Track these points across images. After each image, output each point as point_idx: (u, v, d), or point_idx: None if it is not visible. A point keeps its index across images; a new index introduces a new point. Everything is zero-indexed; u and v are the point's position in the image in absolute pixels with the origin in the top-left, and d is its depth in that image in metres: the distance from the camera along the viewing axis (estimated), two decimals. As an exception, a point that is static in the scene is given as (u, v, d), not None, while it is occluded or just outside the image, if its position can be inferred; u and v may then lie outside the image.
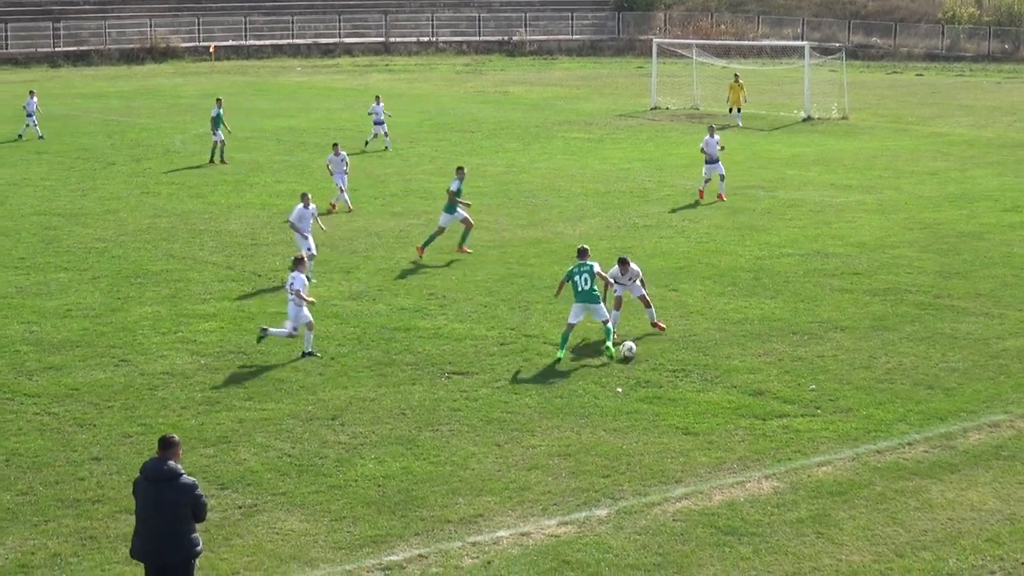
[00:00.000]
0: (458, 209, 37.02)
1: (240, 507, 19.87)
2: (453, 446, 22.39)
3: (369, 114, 59.24)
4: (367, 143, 57.80)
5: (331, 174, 43.91)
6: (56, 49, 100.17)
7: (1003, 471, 21.33)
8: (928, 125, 66.74)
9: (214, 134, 53.95)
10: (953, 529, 19.14)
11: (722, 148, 45.75)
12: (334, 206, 43.23)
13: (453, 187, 36.92)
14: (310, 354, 27.24)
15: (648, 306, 29.22)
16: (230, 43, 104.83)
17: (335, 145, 44.93)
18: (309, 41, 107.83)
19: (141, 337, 28.69)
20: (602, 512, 19.73)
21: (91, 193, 46.56)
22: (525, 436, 22.87)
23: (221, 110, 54.48)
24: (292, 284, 27.32)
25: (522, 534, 18.97)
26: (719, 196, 45.10)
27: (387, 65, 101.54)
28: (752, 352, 27.66)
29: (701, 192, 45.53)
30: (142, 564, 15.82)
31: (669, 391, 25.23)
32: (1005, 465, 21.58)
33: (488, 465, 21.57)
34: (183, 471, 15.64)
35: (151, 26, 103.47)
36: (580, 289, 27.41)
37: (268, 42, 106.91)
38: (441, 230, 37.00)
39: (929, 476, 21.07)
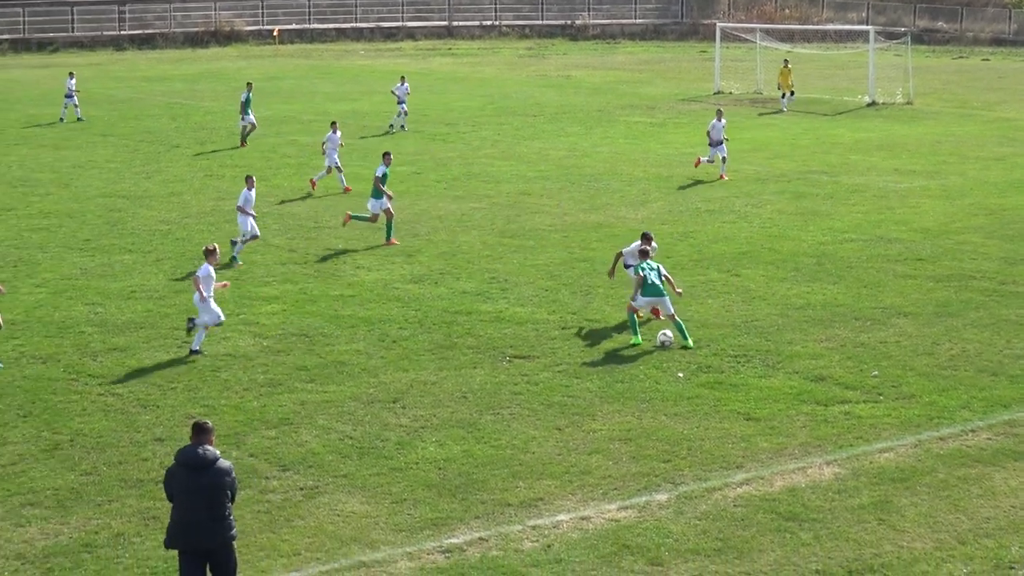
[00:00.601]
0: (383, 198, 36.42)
1: (302, 489, 19.96)
2: (514, 430, 22.42)
3: (393, 93, 59.60)
4: (391, 127, 58.23)
5: (323, 153, 44.47)
6: (122, 32, 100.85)
7: (1067, 459, 21.18)
8: (994, 110, 66.22)
9: (243, 117, 54.35)
10: (1016, 517, 19.01)
11: (727, 139, 47.05)
12: (314, 184, 43.89)
13: (379, 173, 36.42)
14: (196, 352, 26.50)
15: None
16: (293, 26, 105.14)
17: (333, 124, 45.74)
18: (372, 25, 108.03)
19: (204, 319, 28.85)
20: (662, 497, 19.71)
21: (155, 176, 46.85)
22: (586, 420, 22.88)
23: (251, 94, 54.86)
24: (196, 273, 26.94)
25: (582, 518, 18.98)
26: (720, 176, 46.20)
27: (450, 49, 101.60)
28: (814, 338, 27.55)
29: (698, 161, 47.20)
30: (178, 553, 15.69)
31: (730, 376, 25.17)
32: (1069, 453, 21.43)
33: (548, 449, 21.59)
34: (219, 455, 15.66)
35: (215, 9, 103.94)
36: (650, 282, 27.31)
37: (331, 25, 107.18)
38: (374, 216, 36.64)
39: (992, 463, 20.93)
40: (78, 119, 60.86)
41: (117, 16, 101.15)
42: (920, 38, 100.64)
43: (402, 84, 59.07)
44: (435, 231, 37.76)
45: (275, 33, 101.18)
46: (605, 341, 27.33)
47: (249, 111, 54.25)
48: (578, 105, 67.52)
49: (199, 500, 15.38)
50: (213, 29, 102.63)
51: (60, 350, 26.75)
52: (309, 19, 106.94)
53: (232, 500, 15.66)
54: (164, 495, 15.90)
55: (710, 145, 46.65)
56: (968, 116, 63.90)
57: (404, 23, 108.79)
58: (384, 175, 36.50)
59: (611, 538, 18.26)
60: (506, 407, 23.51)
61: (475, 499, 19.60)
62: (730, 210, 40.69)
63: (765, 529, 18.56)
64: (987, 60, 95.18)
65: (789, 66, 68.07)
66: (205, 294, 26.47)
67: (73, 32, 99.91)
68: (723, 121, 46.72)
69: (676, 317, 27.36)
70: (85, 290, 31.40)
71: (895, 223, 38.64)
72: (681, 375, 25.20)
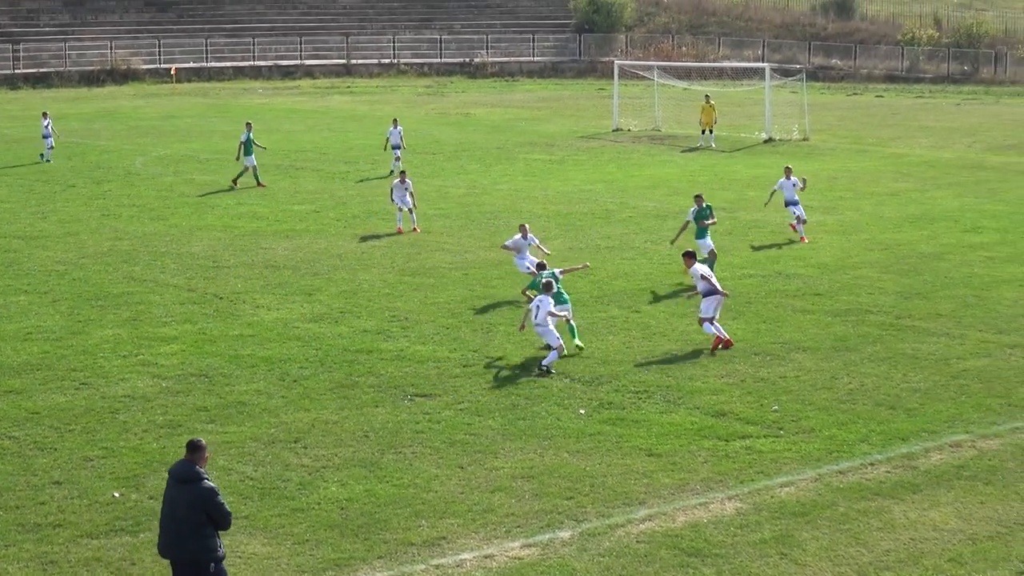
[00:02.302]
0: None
1: (202, 531, 19.75)
2: (416, 468, 22.35)
3: (387, 139, 57.25)
4: (391, 172, 55.58)
5: (392, 200, 43.94)
6: (16, 71, 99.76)
7: (965, 491, 21.41)
8: (888, 146, 67.07)
9: (245, 158, 52.89)
10: (916, 549, 19.19)
11: (803, 187, 42.52)
12: (416, 229, 43.47)
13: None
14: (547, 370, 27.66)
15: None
16: (191, 65, 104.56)
17: (403, 173, 45.00)
18: (270, 63, 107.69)
19: (102, 360, 28.56)
20: (566, 534, 19.71)
21: (51, 215, 46.36)
22: (488, 458, 22.85)
23: (251, 134, 53.54)
24: (537, 305, 28.38)
25: (486, 556, 18.94)
26: (801, 239, 42.03)
27: (348, 87, 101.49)
28: (715, 373, 27.70)
29: (793, 226, 42.72)
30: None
31: (632, 412, 25.24)
32: (967, 485, 21.66)
33: (451, 487, 21.53)
34: (205, 476, 16.13)
35: (112, 48, 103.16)
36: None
37: (229, 64, 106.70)
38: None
39: (891, 496, 21.13)
40: (41, 158, 60.12)
41: (11, 54, 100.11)
42: (815, 75, 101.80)
43: (395, 127, 56.92)
44: (335, 269, 37.63)
45: (172, 71, 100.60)
46: (507, 379, 27.33)
47: (251, 152, 52.94)
48: (477, 143, 67.63)
49: (175, 513, 16.07)
50: (109, 68, 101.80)
51: (-46, 393, 26.36)
52: (207, 57, 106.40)
53: (217, 525, 16.11)
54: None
55: (785, 205, 42.72)
56: (863, 152, 64.66)
57: (302, 61, 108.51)
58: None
59: (515, 576, 18.23)
60: (408, 446, 23.43)
61: (378, 539, 19.51)
62: (630, 247, 40.87)
63: (668, 565, 18.60)
64: (880, 96, 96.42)
65: (711, 102, 68.17)
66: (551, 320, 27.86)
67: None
68: (793, 179, 42.41)
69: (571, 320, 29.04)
70: (-20, 332, 30.98)
71: (793, 259, 38.98)
72: (583, 411, 25.24)
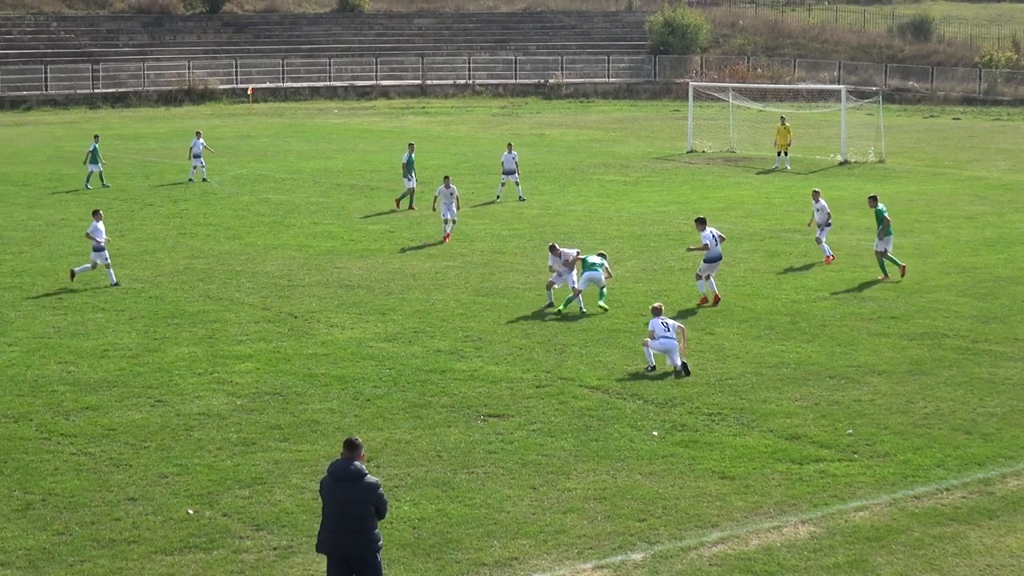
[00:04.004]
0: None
1: (275, 548, 19.87)
2: (488, 489, 22.35)
3: (502, 163, 56.40)
4: (498, 197, 55.67)
5: (434, 208, 45.68)
6: (95, 91, 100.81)
7: (1042, 517, 21.20)
8: (965, 169, 66.57)
9: (407, 180, 52.57)
10: (991, 576, 19.02)
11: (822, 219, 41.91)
12: (447, 237, 45.29)
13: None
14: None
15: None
16: (267, 85, 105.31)
17: (446, 178, 46.58)
18: (346, 83, 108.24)
19: (177, 378, 28.77)
20: (638, 556, 19.66)
21: (128, 234, 46.77)
22: (560, 479, 22.83)
23: (413, 155, 53.19)
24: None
25: (557, 578, 18.92)
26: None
27: (423, 107, 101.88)
28: (788, 396, 27.57)
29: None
30: (325, 557, 17.13)
31: (705, 435, 25.16)
32: (1044, 511, 21.45)
33: (523, 508, 21.53)
34: (367, 471, 16.93)
35: (189, 68, 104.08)
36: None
37: (305, 84, 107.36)
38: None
39: (967, 522, 20.94)
40: (203, 180, 60.50)
41: (91, 74, 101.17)
42: (891, 97, 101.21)
43: (509, 152, 56.10)
44: (409, 289, 37.75)
45: (249, 91, 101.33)
46: (579, 399, 27.31)
47: (412, 173, 52.62)
48: (552, 163, 67.68)
49: (344, 510, 16.80)
50: (187, 87, 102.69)
51: (32, 409, 26.63)
52: (283, 78, 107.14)
53: (380, 515, 17.01)
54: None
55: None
56: (939, 175, 64.21)
57: (378, 82, 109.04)
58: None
59: (586, 598, 18.20)
60: (480, 466, 23.45)
61: (450, 559, 19.53)
62: (704, 268, 40.71)
63: (741, 588, 18.51)
64: (957, 119, 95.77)
65: (787, 124, 67.85)
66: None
67: (47, 90, 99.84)
68: (821, 202, 42.15)
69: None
70: (57, 349, 31.28)
71: (868, 281, 38.74)
72: (656, 433, 25.18)
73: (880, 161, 68.74)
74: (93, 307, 35.44)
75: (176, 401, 27.04)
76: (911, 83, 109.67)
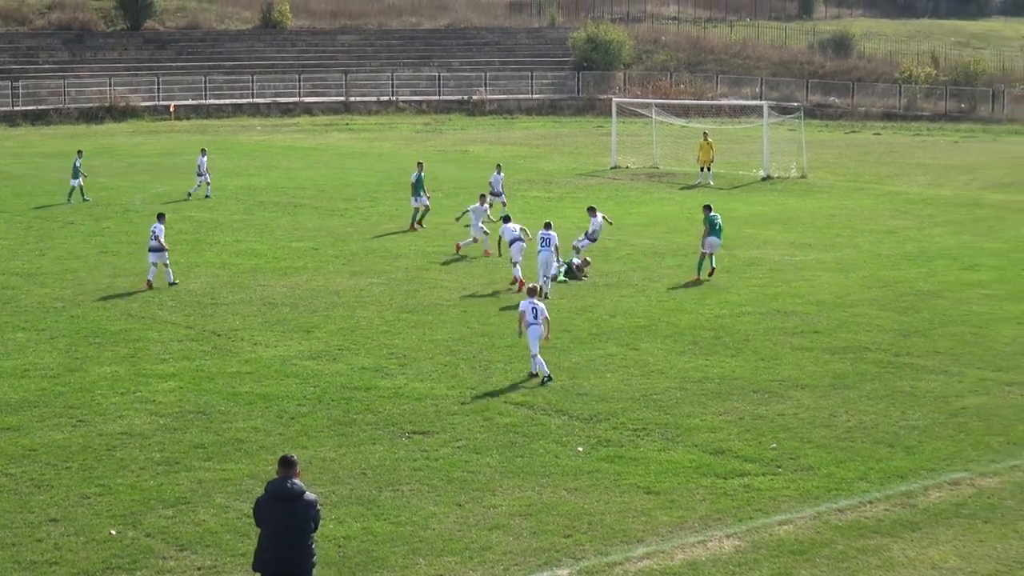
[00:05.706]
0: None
1: (199, 568, 19.73)
2: (414, 506, 22.30)
3: (490, 184, 55.40)
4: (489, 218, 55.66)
5: (457, 219, 47.24)
6: (15, 108, 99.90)
7: (964, 529, 21.37)
8: (886, 184, 67.14)
9: (415, 199, 52.04)
10: (915, 588, 19.13)
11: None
12: (488, 252, 45.97)
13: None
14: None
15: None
16: (190, 102, 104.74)
17: (482, 196, 48.02)
18: (269, 100, 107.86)
19: (99, 397, 28.53)
20: (563, 572, 19.66)
21: (49, 252, 46.36)
22: (486, 496, 22.80)
23: (422, 174, 52.55)
24: None
25: (483, 595, 18.88)
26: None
27: (347, 124, 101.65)
28: (713, 411, 27.67)
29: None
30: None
31: (630, 450, 25.21)
32: (966, 523, 21.62)
33: (449, 525, 21.48)
34: (306, 488, 16.91)
35: (110, 85, 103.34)
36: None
37: (228, 101, 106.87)
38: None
39: (890, 534, 21.08)
40: (198, 196, 60.62)
41: (10, 91, 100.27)
42: (813, 112, 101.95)
43: (498, 173, 55.60)
44: (333, 307, 37.62)
45: (171, 109, 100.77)
46: (504, 416, 27.29)
47: (421, 192, 52.08)
48: (476, 180, 67.52)
49: (287, 530, 16.68)
50: (108, 104, 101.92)
51: (-49, 430, 26.32)
52: (205, 95, 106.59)
53: (315, 530, 16.93)
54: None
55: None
56: (861, 189, 64.72)
57: (301, 98, 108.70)
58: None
59: (512, 615, 18.17)
60: (406, 483, 23.39)
61: (375, 577, 19.45)
62: (628, 284, 40.88)
63: (666, 603, 18.54)
64: (878, 134, 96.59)
65: (709, 139, 68.23)
66: None
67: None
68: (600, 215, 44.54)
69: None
70: (-23, 369, 30.95)
71: (791, 296, 38.99)
72: (581, 449, 25.20)
73: (802, 176, 69.20)
74: (13, 327, 35.08)
75: (98, 421, 26.81)
76: (832, 99, 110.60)
